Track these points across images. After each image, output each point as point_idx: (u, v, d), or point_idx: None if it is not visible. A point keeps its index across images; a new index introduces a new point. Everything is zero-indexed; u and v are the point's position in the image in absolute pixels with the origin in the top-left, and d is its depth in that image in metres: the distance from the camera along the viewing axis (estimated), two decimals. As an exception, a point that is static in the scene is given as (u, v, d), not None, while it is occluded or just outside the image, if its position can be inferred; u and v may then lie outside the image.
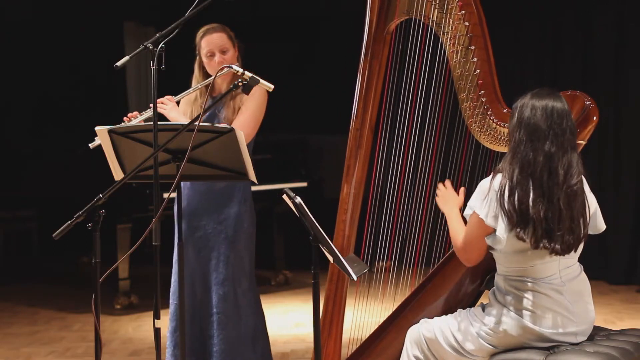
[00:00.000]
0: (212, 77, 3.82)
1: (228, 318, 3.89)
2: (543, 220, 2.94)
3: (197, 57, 3.96)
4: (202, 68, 3.95)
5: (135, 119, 3.71)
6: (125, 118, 3.75)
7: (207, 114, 3.92)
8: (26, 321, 6.21)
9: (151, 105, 3.78)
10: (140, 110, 3.79)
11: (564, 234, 2.96)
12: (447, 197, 3.33)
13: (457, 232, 3.18)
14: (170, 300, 3.96)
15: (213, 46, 3.88)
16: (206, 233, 3.92)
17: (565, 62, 7.18)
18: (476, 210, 3.02)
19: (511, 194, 2.95)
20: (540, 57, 7.26)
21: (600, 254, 6.96)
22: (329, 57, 8.35)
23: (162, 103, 3.79)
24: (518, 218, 2.95)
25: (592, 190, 3.13)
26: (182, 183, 3.69)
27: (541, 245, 2.96)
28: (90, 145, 3.68)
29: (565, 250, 2.99)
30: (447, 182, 3.38)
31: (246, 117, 3.83)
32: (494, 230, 3.01)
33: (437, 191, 3.37)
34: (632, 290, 6.72)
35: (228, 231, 3.89)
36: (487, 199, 3.00)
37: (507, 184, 2.96)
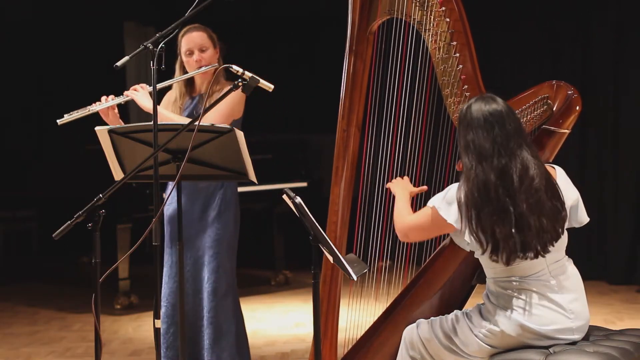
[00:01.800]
0: (197, 71, 3.85)
1: (213, 317, 3.90)
2: (514, 236, 2.95)
3: (179, 57, 3.98)
4: (183, 68, 3.97)
5: (107, 102, 3.73)
6: (95, 102, 3.76)
7: (186, 113, 3.94)
8: (26, 321, 6.21)
9: (125, 92, 3.81)
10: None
11: (535, 237, 2.96)
12: (401, 182, 3.40)
13: (403, 212, 3.25)
14: (162, 302, 3.96)
15: (192, 45, 3.91)
16: (190, 234, 3.92)
17: (565, 62, 7.17)
18: (441, 212, 3.05)
19: (478, 222, 2.96)
20: (539, 57, 7.25)
21: (600, 254, 6.95)
22: (329, 57, 8.33)
23: (134, 90, 3.80)
24: (487, 245, 2.97)
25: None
26: (169, 184, 3.69)
27: (514, 261, 2.97)
28: (58, 121, 3.70)
29: (544, 250, 2.99)
30: (405, 177, 3.45)
31: (216, 112, 3.80)
32: (455, 230, 3.06)
33: (393, 180, 3.43)
34: (632, 290, 6.71)
35: (210, 230, 3.89)
36: (455, 205, 3.02)
37: (471, 211, 2.97)
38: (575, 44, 7.13)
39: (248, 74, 3.24)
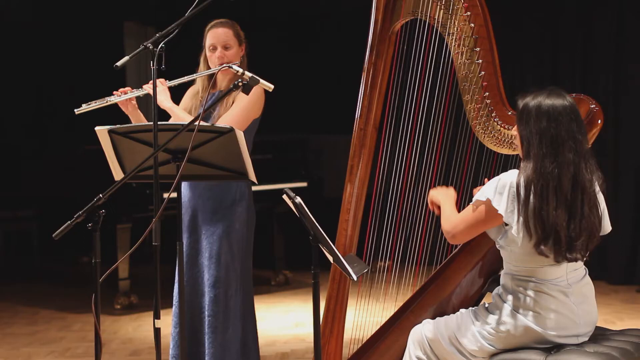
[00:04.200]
0: (207, 72, 3.84)
1: (217, 321, 3.85)
2: (566, 233, 2.93)
3: (203, 50, 3.95)
4: (206, 61, 3.95)
5: (125, 95, 3.72)
6: (115, 92, 3.75)
7: (203, 108, 3.93)
8: (26, 321, 6.21)
9: (143, 86, 3.80)
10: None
11: (583, 242, 2.96)
12: (443, 189, 3.33)
13: (451, 213, 3.18)
14: (173, 302, 3.95)
15: (216, 40, 3.88)
16: (200, 233, 3.91)
17: (565, 62, 7.18)
18: (493, 202, 2.98)
19: (539, 210, 2.91)
20: (540, 57, 7.26)
21: (600, 254, 6.95)
22: (329, 57, 8.35)
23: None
24: (543, 234, 2.93)
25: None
26: (182, 183, 3.69)
27: (562, 259, 2.95)
28: (75, 111, 3.70)
29: (584, 256, 3.00)
30: (450, 187, 3.38)
31: (235, 112, 3.77)
32: (504, 225, 3.00)
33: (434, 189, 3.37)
34: (632, 290, 6.72)
35: (219, 231, 3.86)
36: (506, 194, 2.97)
37: (533, 199, 2.92)
38: (575, 43, 7.13)
39: (248, 74, 3.24)
